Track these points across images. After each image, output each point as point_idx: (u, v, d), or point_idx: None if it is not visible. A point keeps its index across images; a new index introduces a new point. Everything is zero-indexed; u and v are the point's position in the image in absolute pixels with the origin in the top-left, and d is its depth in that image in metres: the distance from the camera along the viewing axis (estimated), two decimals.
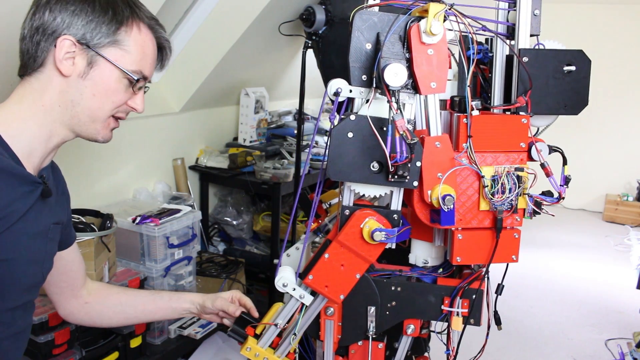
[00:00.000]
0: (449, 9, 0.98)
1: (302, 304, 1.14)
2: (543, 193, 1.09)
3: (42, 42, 0.97)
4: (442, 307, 1.14)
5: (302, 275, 1.12)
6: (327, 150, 1.04)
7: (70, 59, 0.98)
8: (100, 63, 0.99)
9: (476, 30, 1.07)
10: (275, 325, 1.17)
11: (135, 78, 1.02)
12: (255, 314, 1.30)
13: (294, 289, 1.13)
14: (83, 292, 1.29)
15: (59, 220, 1.12)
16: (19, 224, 0.97)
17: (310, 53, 2.66)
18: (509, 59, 1.11)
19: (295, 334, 1.15)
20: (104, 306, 1.31)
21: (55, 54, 0.97)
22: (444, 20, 0.99)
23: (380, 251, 1.10)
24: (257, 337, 1.20)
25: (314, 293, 1.13)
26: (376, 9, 1.07)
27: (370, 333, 1.16)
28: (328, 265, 1.10)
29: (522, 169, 1.07)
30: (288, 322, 1.18)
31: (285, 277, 1.13)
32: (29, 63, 1.00)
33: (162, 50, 1.10)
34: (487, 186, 1.06)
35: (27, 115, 0.99)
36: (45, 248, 1.08)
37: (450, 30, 1.04)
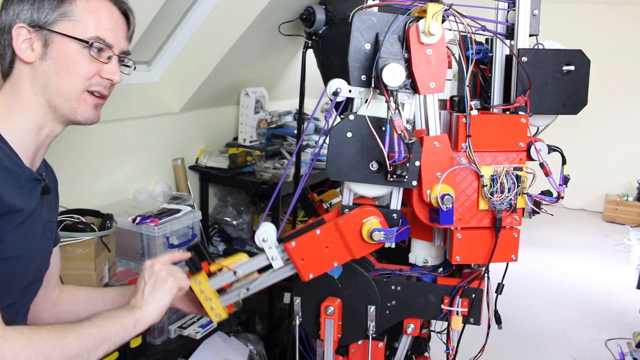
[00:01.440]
0: (448, 9, 0.99)
1: (269, 266, 1.13)
2: (542, 192, 1.09)
3: (6, 39, 1.01)
4: (442, 306, 1.15)
5: (284, 239, 1.12)
6: (316, 149, 1.04)
7: (29, 45, 1.00)
8: (54, 39, 1.00)
9: (475, 30, 1.07)
10: (235, 272, 1.15)
11: (90, 42, 1.01)
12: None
13: (270, 248, 1.12)
14: (54, 294, 1.26)
15: (51, 219, 1.13)
16: (28, 222, 0.99)
17: (310, 53, 2.66)
18: (509, 59, 1.11)
19: (247, 290, 1.15)
20: (72, 304, 1.28)
21: (12, 44, 0.99)
22: (443, 21, 0.99)
23: (370, 251, 1.11)
24: (210, 275, 1.17)
25: (285, 260, 1.13)
26: (375, 9, 1.07)
27: (370, 332, 1.16)
28: (315, 241, 1.10)
29: (521, 169, 1.07)
30: (247, 276, 1.17)
31: (267, 233, 1.12)
32: (3, 64, 1.03)
33: (125, 15, 1.10)
34: (486, 185, 1.06)
35: (12, 109, 1.01)
36: (43, 246, 1.09)
37: (449, 30, 1.05)
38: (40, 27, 0.99)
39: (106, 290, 1.32)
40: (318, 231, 1.10)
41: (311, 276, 1.12)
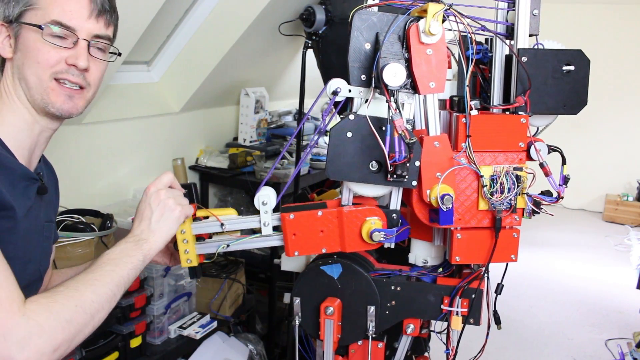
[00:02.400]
0: (448, 9, 0.99)
1: (257, 230, 1.13)
2: (542, 193, 1.09)
3: None
4: (442, 306, 1.15)
5: (283, 210, 1.12)
6: (312, 142, 1.04)
7: (7, 41, 1.00)
8: (23, 31, 0.99)
9: (475, 30, 1.07)
10: (222, 224, 1.13)
11: (41, 25, 0.97)
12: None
13: (266, 212, 1.12)
14: (42, 287, 1.23)
15: (50, 219, 1.12)
16: (24, 222, 0.98)
17: (310, 53, 2.66)
18: (508, 59, 1.11)
19: (227, 246, 1.13)
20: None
21: None
22: (444, 21, 0.99)
23: (361, 249, 1.11)
24: (194, 220, 1.16)
25: (276, 229, 1.13)
26: (375, 9, 1.07)
27: (370, 332, 1.16)
28: (314, 221, 1.10)
29: (521, 169, 1.07)
30: (230, 232, 1.15)
31: (268, 196, 1.11)
32: None
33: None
34: (486, 186, 1.06)
35: (3, 108, 1.01)
36: (42, 246, 1.08)
37: (449, 30, 1.05)
38: (11, 21, 0.99)
39: (81, 267, 1.26)
40: (320, 213, 1.10)
41: (296, 253, 1.12)
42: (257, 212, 1.13)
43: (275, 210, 1.13)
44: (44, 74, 0.99)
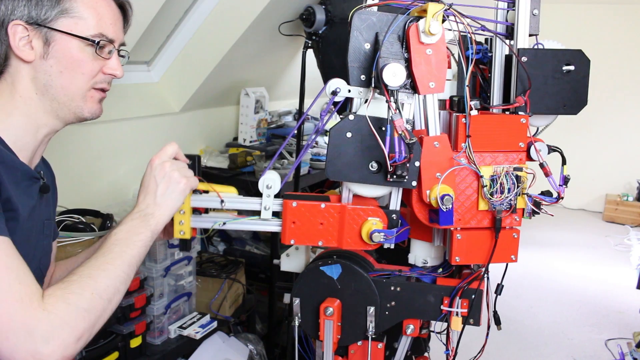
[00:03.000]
0: (448, 9, 0.99)
1: (256, 212, 1.12)
2: (542, 193, 1.09)
3: None
4: (442, 307, 1.14)
5: (286, 197, 1.11)
6: (310, 141, 1.04)
7: (28, 43, 0.97)
8: (56, 38, 0.98)
9: (475, 30, 1.07)
10: (222, 201, 1.13)
11: (96, 41, 0.99)
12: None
13: (269, 196, 1.11)
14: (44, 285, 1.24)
15: (50, 217, 1.12)
16: (27, 222, 0.98)
17: (310, 53, 2.66)
18: (508, 59, 1.11)
19: (224, 223, 1.13)
20: (55, 281, 1.22)
21: (10, 43, 0.97)
22: (443, 21, 0.99)
23: (358, 248, 1.11)
24: (194, 193, 1.14)
25: (275, 215, 1.13)
26: (375, 8, 1.07)
27: (370, 333, 1.16)
28: (316, 212, 1.10)
29: (521, 169, 1.07)
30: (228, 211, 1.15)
31: (273, 180, 1.11)
32: None
33: (123, 8, 1.08)
34: (486, 186, 1.06)
35: (9, 108, 0.99)
36: (42, 244, 1.08)
37: (449, 30, 1.04)
38: (39, 24, 0.96)
39: (79, 256, 1.26)
40: (323, 205, 1.10)
41: (292, 242, 1.12)
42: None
43: (276, 197, 1.12)
44: (86, 84, 1.02)
